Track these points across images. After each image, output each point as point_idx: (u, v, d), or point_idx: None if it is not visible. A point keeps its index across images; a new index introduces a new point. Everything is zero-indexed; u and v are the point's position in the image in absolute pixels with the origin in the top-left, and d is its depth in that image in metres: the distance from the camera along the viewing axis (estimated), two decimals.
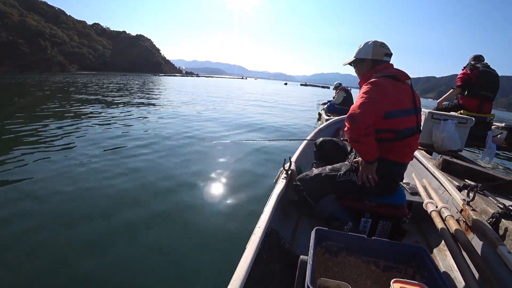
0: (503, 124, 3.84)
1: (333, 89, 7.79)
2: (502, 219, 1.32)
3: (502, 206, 1.40)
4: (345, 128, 1.45)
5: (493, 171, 2.01)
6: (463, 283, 1.21)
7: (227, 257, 2.07)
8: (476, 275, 1.19)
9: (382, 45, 1.63)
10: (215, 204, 2.93)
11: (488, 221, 1.38)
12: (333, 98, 7.52)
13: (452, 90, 3.80)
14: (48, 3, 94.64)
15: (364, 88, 1.48)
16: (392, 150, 1.52)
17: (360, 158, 1.56)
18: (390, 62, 1.67)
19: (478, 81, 3.47)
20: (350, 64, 1.80)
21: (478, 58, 3.65)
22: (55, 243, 2.15)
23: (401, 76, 1.54)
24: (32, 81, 23.27)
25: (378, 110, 1.41)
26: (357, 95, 1.64)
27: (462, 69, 3.71)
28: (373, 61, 1.63)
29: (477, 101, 3.51)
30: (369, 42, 1.66)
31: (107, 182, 3.30)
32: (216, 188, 3.38)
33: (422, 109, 2.31)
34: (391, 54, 1.65)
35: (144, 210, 2.73)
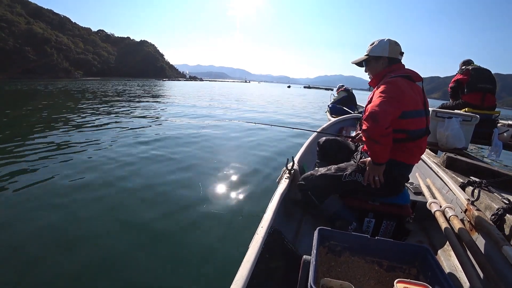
0: (509, 122, 3.81)
1: (336, 90, 7.85)
2: (507, 214, 1.31)
3: (507, 202, 1.39)
4: (363, 127, 1.43)
5: (498, 167, 1.99)
6: (467, 283, 1.19)
7: (230, 257, 2.08)
8: (481, 275, 1.18)
9: (397, 44, 1.62)
10: (218, 204, 2.94)
11: (493, 217, 1.37)
12: (334, 98, 7.53)
13: (450, 102, 3.96)
14: (54, 11, 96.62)
15: (382, 87, 1.47)
16: (402, 151, 1.51)
17: (368, 158, 1.56)
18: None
19: (473, 77, 3.59)
20: (359, 64, 1.77)
21: (468, 62, 3.85)
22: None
23: (414, 77, 1.54)
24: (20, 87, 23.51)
25: (398, 109, 1.40)
26: (370, 95, 1.63)
27: (455, 74, 3.89)
28: (389, 59, 1.62)
29: (479, 94, 3.56)
30: (384, 39, 1.63)
31: (109, 180, 3.36)
32: (218, 187, 3.40)
33: None
34: (403, 53, 1.65)
35: (143, 209, 2.76)
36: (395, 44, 1.61)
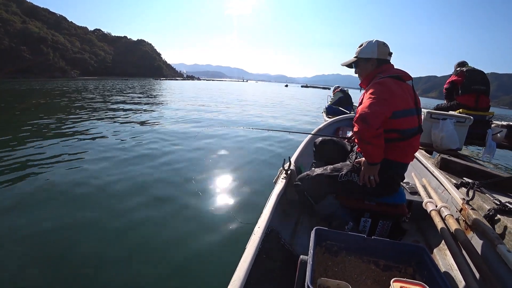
0: (503, 122, 3.86)
1: (332, 91, 7.94)
2: (498, 215, 1.34)
3: (498, 203, 1.41)
4: (355, 129, 1.44)
5: (490, 169, 2.01)
6: (462, 282, 1.20)
7: (227, 257, 2.08)
8: (476, 274, 1.19)
9: (385, 45, 1.64)
10: (214, 204, 2.94)
11: (484, 217, 1.39)
12: (331, 99, 7.59)
13: (445, 102, 4.04)
14: (50, 9, 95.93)
15: (371, 89, 1.48)
16: (395, 150, 1.52)
17: (362, 158, 1.56)
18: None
19: (467, 79, 3.67)
20: (349, 65, 1.78)
21: (463, 64, 3.91)
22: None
23: (404, 76, 1.56)
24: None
25: (388, 110, 1.41)
26: (361, 96, 1.64)
27: (450, 75, 3.98)
28: (378, 61, 1.63)
29: (473, 96, 3.64)
30: (372, 41, 1.65)
31: (108, 182, 3.34)
32: (215, 187, 3.40)
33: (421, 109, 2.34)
34: (392, 53, 1.66)
35: (141, 209, 2.74)
36: (384, 45, 1.63)
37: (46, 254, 2.08)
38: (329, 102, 7.67)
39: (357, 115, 1.42)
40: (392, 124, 1.46)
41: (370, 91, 1.47)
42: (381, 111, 1.37)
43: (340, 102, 7.18)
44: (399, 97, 1.45)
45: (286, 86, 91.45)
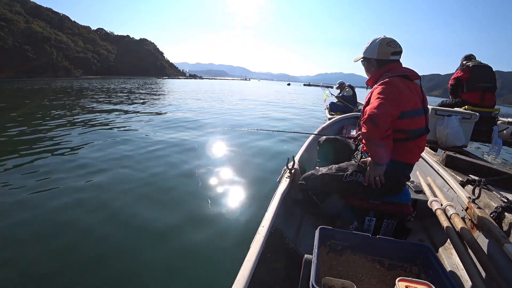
0: (509, 119, 3.82)
1: (336, 88, 7.69)
2: (506, 213, 1.32)
3: (505, 200, 1.39)
4: (363, 130, 1.42)
5: (497, 166, 1.99)
6: (469, 281, 1.20)
7: (231, 256, 2.08)
8: (482, 273, 1.18)
9: (389, 44, 1.56)
10: (219, 204, 2.94)
11: (491, 215, 1.37)
12: (345, 93, 7.26)
13: (450, 99, 3.96)
14: (53, 9, 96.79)
15: (379, 88, 1.45)
16: (402, 151, 1.50)
17: (368, 158, 1.55)
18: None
19: (473, 75, 3.57)
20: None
21: (469, 58, 3.80)
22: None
23: (412, 75, 1.52)
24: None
25: (396, 110, 1.38)
26: (368, 95, 1.61)
27: (455, 71, 3.85)
28: (378, 61, 1.59)
29: (479, 93, 3.56)
30: (376, 40, 1.60)
31: (108, 184, 3.34)
32: (219, 187, 3.39)
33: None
34: (400, 51, 1.58)
35: (144, 210, 2.75)
36: (387, 45, 1.56)
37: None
38: (340, 94, 7.41)
39: (365, 116, 1.38)
40: (399, 125, 1.44)
41: (378, 90, 1.43)
42: (390, 112, 1.35)
43: (350, 98, 7.02)
44: (407, 97, 1.42)
45: (289, 84, 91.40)
